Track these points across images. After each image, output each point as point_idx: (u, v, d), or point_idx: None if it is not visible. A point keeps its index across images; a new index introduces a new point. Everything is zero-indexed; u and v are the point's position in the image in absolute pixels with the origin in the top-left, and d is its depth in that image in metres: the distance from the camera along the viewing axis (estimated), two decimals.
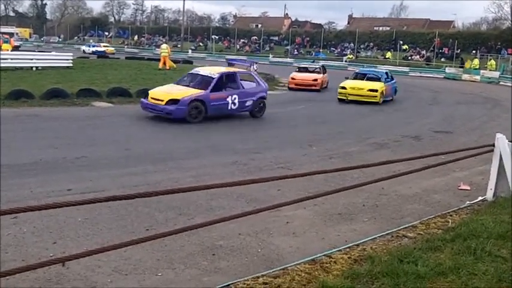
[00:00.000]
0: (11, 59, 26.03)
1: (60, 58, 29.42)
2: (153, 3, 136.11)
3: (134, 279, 4.70)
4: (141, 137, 12.16)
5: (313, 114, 18.62)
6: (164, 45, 35.77)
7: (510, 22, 62.21)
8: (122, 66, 32.81)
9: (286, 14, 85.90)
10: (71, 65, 28.40)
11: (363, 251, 4.95)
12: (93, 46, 61.56)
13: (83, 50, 58.20)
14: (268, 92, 24.46)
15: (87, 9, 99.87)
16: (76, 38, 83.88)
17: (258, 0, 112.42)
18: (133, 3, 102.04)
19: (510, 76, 41.66)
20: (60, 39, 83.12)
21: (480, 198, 7.14)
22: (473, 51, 52.40)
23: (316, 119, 17.30)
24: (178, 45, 69.27)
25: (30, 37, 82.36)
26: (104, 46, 62.81)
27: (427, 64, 52.15)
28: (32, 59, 27.01)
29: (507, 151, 6.64)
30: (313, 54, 57.58)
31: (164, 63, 32.36)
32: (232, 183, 4.59)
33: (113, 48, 61.99)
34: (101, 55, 48.37)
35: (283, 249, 5.56)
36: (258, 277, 4.32)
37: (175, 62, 35.54)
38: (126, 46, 72.07)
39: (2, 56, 24.79)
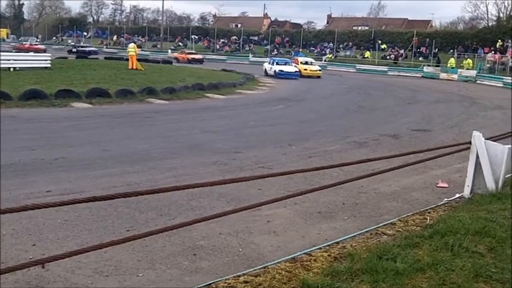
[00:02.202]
0: None
1: (38, 59, 29.09)
2: (132, 3, 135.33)
3: (115, 280, 4.69)
4: (120, 138, 12.08)
5: (293, 113, 18.67)
6: (131, 45, 35.03)
7: (486, 21, 63.13)
8: (100, 66, 32.54)
9: (266, 13, 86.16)
10: (49, 65, 28.08)
11: (343, 249, 4.99)
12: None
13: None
14: (248, 92, 24.79)
15: (65, 9, 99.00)
16: (54, 38, 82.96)
17: (238, 0, 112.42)
18: (112, 3, 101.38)
19: (486, 75, 42.34)
20: (38, 40, 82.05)
21: (457, 195, 7.24)
22: (451, 50, 53.08)
23: (295, 118, 17.35)
24: (158, 45, 68.95)
25: (7, 37, 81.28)
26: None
27: (395, 62, 52.75)
28: (9, 60, 26.63)
29: (483, 149, 6.76)
30: (293, 54, 57.66)
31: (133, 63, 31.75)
32: (212, 183, 4.61)
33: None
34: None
35: (264, 248, 5.58)
36: (239, 276, 4.34)
37: (156, 62, 35.31)
38: (105, 46, 71.46)
39: None
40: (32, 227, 5.79)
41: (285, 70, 37.29)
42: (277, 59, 42.28)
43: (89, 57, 44.57)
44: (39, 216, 5.94)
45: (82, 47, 58.66)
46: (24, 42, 60.41)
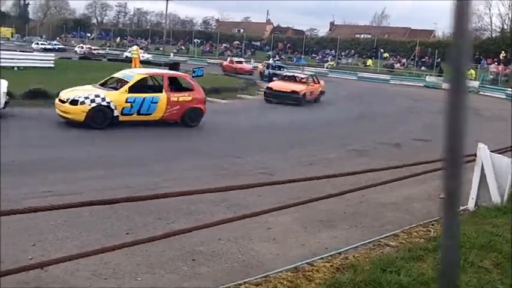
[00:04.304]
0: None
1: (42, 58, 29.12)
2: (136, 5, 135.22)
3: (113, 283, 4.65)
4: (121, 140, 12.04)
5: (293, 119, 18.64)
6: (134, 47, 35.37)
7: (490, 33, 63.18)
8: (103, 68, 32.51)
9: (269, 19, 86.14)
10: (53, 65, 28.09)
11: (345, 259, 4.94)
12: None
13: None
14: (249, 97, 24.74)
15: (70, 9, 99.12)
16: (58, 38, 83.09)
17: (240, 0, 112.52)
18: (116, 5, 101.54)
19: (489, 86, 42.33)
20: (43, 40, 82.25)
21: (462, 208, 7.19)
22: None
23: (296, 124, 17.33)
24: (161, 48, 69.04)
25: (12, 37, 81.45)
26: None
27: (391, 71, 52.83)
28: (13, 59, 26.64)
29: (489, 161, 6.71)
30: (295, 60, 57.78)
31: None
32: (212, 190, 4.55)
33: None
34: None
35: (264, 255, 5.54)
36: (240, 284, 4.29)
37: (158, 65, 35.32)
38: (108, 48, 71.57)
39: None
40: (31, 227, 5.74)
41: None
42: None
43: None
44: (39, 216, 5.87)
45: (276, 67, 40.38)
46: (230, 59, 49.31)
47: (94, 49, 59.57)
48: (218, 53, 67.19)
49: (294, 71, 35.22)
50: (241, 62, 47.48)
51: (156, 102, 13.57)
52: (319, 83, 25.93)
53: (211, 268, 5.12)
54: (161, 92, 13.80)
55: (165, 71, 17.35)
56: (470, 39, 1.45)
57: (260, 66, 43.07)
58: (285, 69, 37.83)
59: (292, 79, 25.06)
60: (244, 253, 5.57)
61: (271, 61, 46.98)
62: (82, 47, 60.12)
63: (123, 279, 4.73)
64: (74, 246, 5.24)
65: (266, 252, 5.62)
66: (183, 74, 16.44)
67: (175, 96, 13.98)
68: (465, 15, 1.40)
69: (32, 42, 65.23)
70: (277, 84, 23.82)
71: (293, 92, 22.58)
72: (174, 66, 21.46)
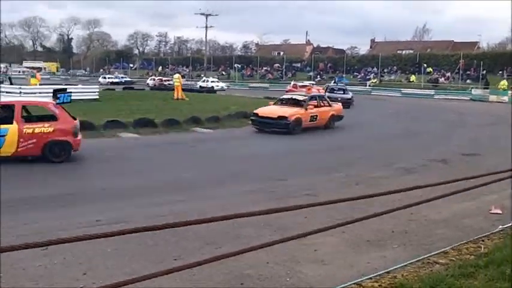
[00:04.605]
0: (39, 92, 26.22)
1: (86, 91, 30.01)
2: (176, 34, 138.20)
3: None
4: (167, 167, 12.25)
5: (337, 139, 18.55)
6: (176, 75, 35.99)
7: None
8: (146, 97, 33.27)
9: (308, 40, 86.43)
10: (97, 97, 28.91)
11: (394, 279, 4.86)
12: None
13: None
14: None
15: (112, 41, 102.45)
16: (102, 70, 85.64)
17: (280, 23, 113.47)
18: (156, 35, 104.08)
19: None
20: (87, 72, 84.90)
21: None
22: (500, 72, 51.88)
23: (339, 144, 17.22)
24: (202, 75, 70.18)
25: (57, 71, 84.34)
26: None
27: (435, 86, 51.90)
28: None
29: None
30: (336, 79, 57.67)
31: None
32: (259, 212, 4.57)
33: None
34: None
35: (312, 277, 5.50)
36: None
37: (200, 91, 35.95)
38: (150, 77, 73.22)
39: (30, 91, 25.27)
40: (82, 256, 5.87)
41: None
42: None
43: None
44: (88, 244, 6.03)
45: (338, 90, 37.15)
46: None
47: (165, 80, 58.01)
48: (259, 76, 67.71)
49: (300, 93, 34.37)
50: (305, 86, 41.12)
51: (4, 136, 11.40)
52: (329, 105, 21.69)
53: None
54: (11, 123, 11.57)
55: (18, 99, 14.09)
56: None
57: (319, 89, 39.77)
58: (349, 92, 36.69)
59: (292, 102, 20.86)
60: (292, 276, 5.54)
61: (332, 83, 46.11)
62: (154, 79, 59.87)
63: None
64: (124, 273, 5.32)
65: (314, 274, 5.58)
66: (44, 101, 13.57)
67: (30, 128, 11.73)
68: None
69: (99, 76, 66.44)
70: (264, 110, 19.92)
71: (280, 117, 18.83)
72: (56, 92, 17.89)
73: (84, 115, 19.64)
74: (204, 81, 56.93)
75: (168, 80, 57.06)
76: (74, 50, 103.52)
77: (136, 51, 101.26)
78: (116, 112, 22.08)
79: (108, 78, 63.21)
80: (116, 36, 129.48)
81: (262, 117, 19.32)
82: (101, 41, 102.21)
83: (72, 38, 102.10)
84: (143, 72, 78.64)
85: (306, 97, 21.34)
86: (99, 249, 6.06)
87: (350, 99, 33.36)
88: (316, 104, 21.09)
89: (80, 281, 5.23)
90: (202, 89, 48.88)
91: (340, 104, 23.88)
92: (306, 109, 19.93)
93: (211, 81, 56.03)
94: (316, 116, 20.29)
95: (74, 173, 10.97)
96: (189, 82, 57.18)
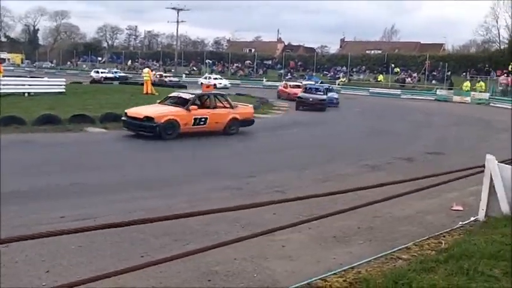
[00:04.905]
0: (2, 84, 25.37)
1: (52, 84, 29.42)
2: (146, 28, 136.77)
3: None
4: (135, 163, 12.17)
5: (307, 137, 18.70)
6: (146, 69, 35.71)
7: (498, 44, 63.03)
8: (115, 91, 32.88)
9: (280, 38, 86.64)
10: (64, 90, 28.39)
11: (358, 274, 4.96)
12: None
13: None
14: (263, 116, 24.85)
15: (80, 34, 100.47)
16: (69, 63, 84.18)
17: (251, 20, 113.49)
18: (126, 29, 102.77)
19: (499, 97, 42.17)
20: (53, 65, 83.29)
21: (472, 218, 7.20)
22: (463, 73, 53.07)
23: (310, 142, 17.37)
24: (172, 70, 69.68)
25: (22, 63, 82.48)
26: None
27: (402, 85, 52.93)
28: (23, 85, 26.98)
29: (497, 172, 6.72)
30: (306, 77, 57.94)
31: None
32: (226, 209, 4.61)
33: None
34: None
35: (279, 273, 5.56)
36: None
37: (170, 86, 35.69)
38: (119, 71, 72.42)
39: None
40: (45, 253, 5.79)
41: None
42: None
43: None
44: (52, 242, 5.94)
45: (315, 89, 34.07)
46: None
47: (165, 76, 55.07)
48: (230, 73, 67.63)
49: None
50: (298, 86, 38.48)
51: None
52: (230, 107, 18.07)
53: None
54: None
55: None
56: None
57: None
58: (334, 93, 35.92)
59: (178, 102, 17.42)
60: (259, 272, 5.59)
61: (311, 82, 44.57)
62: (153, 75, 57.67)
63: None
64: (89, 271, 5.27)
65: (281, 270, 5.64)
66: None
67: None
68: None
69: (96, 70, 61.40)
70: (134, 109, 16.82)
71: (146, 118, 15.67)
72: None
73: (49, 109, 19.43)
74: (206, 78, 54.28)
75: (169, 76, 55.20)
76: (40, 42, 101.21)
77: (105, 45, 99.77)
78: (83, 106, 21.80)
79: (101, 73, 57.89)
80: (84, 28, 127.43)
81: (130, 117, 16.15)
82: (69, 33, 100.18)
83: (38, 29, 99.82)
84: (112, 66, 77.59)
85: (193, 95, 17.51)
86: (63, 247, 5.97)
87: (323, 100, 30.39)
88: (208, 104, 17.51)
89: (42, 279, 5.15)
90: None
91: (250, 106, 19.92)
92: (189, 110, 16.33)
93: (214, 78, 53.12)
94: (206, 118, 16.79)
95: (37, 168, 10.77)
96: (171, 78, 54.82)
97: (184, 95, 18.03)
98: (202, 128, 16.74)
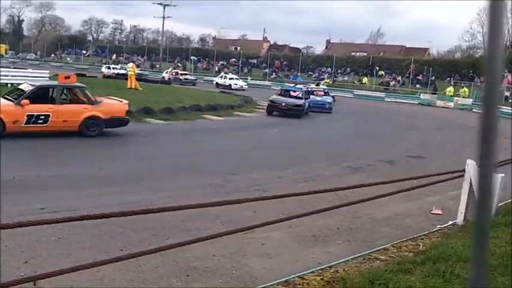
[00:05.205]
0: None
1: (36, 75, 29.17)
2: (132, 22, 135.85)
3: None
4: (115, 157, 12.14)
5: (289, 137, 18.75)
6: (130, 64, 35.51)
7: (483, 51, 63.76)
8: (99, 84, 32.62)
9: (265, 37, 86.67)
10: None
11: (336, 273, 5.01)
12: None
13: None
14: (246, 114, 24.88)
15: (65, 26, 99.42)
16: (53, 55, 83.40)
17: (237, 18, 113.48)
18: (112, 22, 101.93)
19: (482, 103, 42.69)
20: (37, 56, 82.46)
21: (451, 222, 7.29)
22: (447, 78, 53.62)
23: (292, 142, 17.43)
24: (157, 66, 69.37)
25: (5, 53, 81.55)
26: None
27: (386, 88, 53.39)
28: (6, 76, 26.69)
29: (476, 176, 6.81)
30: (291, 77, 58.10)
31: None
32: (206, 204, 4.63)
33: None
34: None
35: (258, 270, 5.59)
36: None
37: (154, 82, 35.54)
38: (103, 65, 71.89)
39: None
40: (25, 244, 5.78)
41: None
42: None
43: None
44: (32, 233, 5.94)
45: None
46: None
47: (181, 74, 51.05)
48: (215, 70, 67.55)
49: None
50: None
51: None
52: (89, 102, 14.67)
53: (205, 284, 5.17)
54: None
55: None
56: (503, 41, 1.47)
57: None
58: (328, 97, 32.59)
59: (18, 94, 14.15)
60: (238, 269, 5.62)
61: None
62: (167, 72, 52.03)
63: None
64: (68, 262, 5.23)
65: (260, 268, 5.67)
66: None
67: None
68: (499, 17, 1.43)
69: (107, 66, 55.70)
70: None
71: None
72: None
73: None
74: (222, 77, 50.81)
75: (184, 74, 51.62)
76: (25, 33, 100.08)
77: (90, 38, 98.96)
78: None
79: (113, 68, 50.40)
80: (70, 21, 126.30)
81: None
82: (54, 25, 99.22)
83: (23, 20, 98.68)
84: (97, 59, 77.01)
85: (33, 88, 14.18)
86: (43, 238, 5.97)
87: (298, 106, 25.70)
88: (55, 98, 14.17)
89: (21, 270, 5.13)
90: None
91: (124, 102, 15.93)
92: (21, 105, 13.36)
93: (230, 78, 49.65)
94: (47, 115, 13.75)
95: (16, 160, 10.67)
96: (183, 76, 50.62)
97: (25, 86, 14.60)
98: (42, 127, 13.64)
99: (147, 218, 6.65)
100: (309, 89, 32.51)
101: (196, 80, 50.66)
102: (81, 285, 4.81)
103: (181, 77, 48.51)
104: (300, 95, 27.56)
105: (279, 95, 27.68)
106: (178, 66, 69.68)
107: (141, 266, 5.34)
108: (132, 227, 6.59)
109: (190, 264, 5.58)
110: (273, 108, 25.70)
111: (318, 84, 44.66)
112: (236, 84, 47.20)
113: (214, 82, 49.58)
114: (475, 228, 1.45)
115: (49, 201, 7.66)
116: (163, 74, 51.53)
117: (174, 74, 49.82)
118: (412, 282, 4.44)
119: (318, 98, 31.08)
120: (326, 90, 34.94)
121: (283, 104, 25.50)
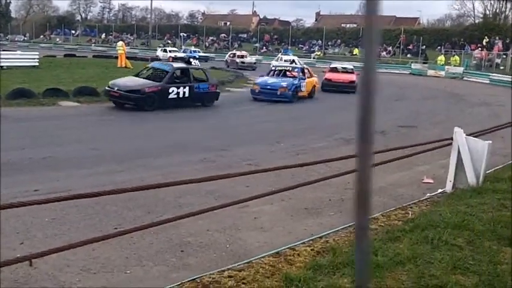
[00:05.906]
0: None
1: (25, 57, 28.93)
2: (120, 0, 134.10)
3: (103, 277, 4.75)
4: (108, 136, 12.13)
5: (280, 111, 18.75)
6: (120, 43, 35.22)
7: (473, 19, 63.63)
8: (89, 64, 32.43)
9: (255, 11, 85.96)
10: (37, 64, 27.94)
11: (326, 243, 5.09)
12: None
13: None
14: (238, 90, 24.83)
15: (53, 7, 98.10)
16: (42, 36, 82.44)
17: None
18: (100, 1, 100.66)
19: (473, 71, 42.73)
20: (26, 38, 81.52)
21: (440, 190, 7.39)
22: (438, 47, 53.50)
23: (283, 115, 17.45)
24: (147, 43, 68.78)
25: None
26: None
27: (377, 59, 53.14)
28: None
29: (464, 145, 6.89)
30: (282, 51, 57.75)
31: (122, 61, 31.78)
32: (199, 180, 4.67)
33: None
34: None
35: (251, 244, 5.67)
36: (224, 271, 4.43)
37: (144, 59, 35.28)
38: (93, 44, 71.16)
39: None
40: (19, 226, 5.82)
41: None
42: None
43: None
44: (26, 214, 5.98)
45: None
46: None
47: (239, 56, 43.59)
48: (205, 46, 67.04)
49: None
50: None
51: None
52: None
53: (200, 259, 5.24)
54: None
55: None
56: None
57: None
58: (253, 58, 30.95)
59: None
60: (232, 243, 5.69)
61: (279, 55, 40.39)
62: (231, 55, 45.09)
63: (113, 273, 4.82)
64: (63, 242, 5.29)
65: (253, 241, 5.75)
66: None
67: None
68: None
69: (163, 48, 51.15)
70: None
71: None
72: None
73: (23, 82, 19.13)
74: (240, 56, 43.40)
75: (241, 56, 43.40)
76: (13, 15, 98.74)
77: (78, 18, 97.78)
78: (57, 80, 21.50)
79: (170, 52, 45.13)
80: (57, 1, 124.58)
81: None
82: (41, 6, 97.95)
83: (10, 2, 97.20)
84: (86, 39, 76.21)
85: None
86: (37, 219, 6.02)
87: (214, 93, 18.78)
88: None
89: (17, 251, 5.18)
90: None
91: None
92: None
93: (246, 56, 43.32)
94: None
95: (8, 141, 10.66)
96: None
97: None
98: None
99: (140, 195, 6.69)
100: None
101: (255, 63, 43.20)
102: (76, 264, 4.88)
103: (237, 60, 40.70)
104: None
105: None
106: (168, 43, 69.11)
107: (135, 243, 5.41)
108: (126, 205, 6.65)
109: (184, 240, 5.66)
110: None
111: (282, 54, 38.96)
112: (244, 63, 41.27)
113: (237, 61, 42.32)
114: (356, 227, 1.53)
115: (41, 183, 7.70)
116: (157, 53, 47.97)
117: (231, 56, 43.50)
118: (400, 250, 4.53)
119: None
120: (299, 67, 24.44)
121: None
